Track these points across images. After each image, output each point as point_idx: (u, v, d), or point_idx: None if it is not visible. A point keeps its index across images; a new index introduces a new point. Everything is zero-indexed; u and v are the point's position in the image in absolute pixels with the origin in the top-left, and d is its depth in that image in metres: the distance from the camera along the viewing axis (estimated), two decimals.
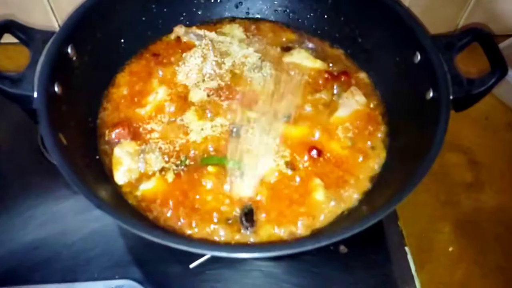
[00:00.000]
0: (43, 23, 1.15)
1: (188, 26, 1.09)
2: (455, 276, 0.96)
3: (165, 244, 0.60)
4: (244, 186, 0.82)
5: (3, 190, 1.07)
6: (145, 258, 0.95)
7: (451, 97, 0.80)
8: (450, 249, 1.01)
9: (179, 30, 1.05)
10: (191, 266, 0.94)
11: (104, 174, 0.84)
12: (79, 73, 0.88)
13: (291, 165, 0.86)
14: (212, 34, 1.05)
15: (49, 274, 0.92)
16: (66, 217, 1.02)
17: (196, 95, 0.95)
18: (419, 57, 0.88)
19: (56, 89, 0.79)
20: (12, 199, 1.05)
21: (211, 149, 0.88)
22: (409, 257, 1.00)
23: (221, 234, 0.77)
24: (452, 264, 0.98)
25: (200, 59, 0.97)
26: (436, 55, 0.84)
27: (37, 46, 0.81)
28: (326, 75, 1.01)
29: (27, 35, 0.82)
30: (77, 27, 0.87)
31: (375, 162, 0.89)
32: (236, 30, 1.10)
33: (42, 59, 0.79)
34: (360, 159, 0.89)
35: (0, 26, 0.79)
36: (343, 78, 1.02)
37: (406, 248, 1.02)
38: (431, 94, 0.83)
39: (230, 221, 0.79)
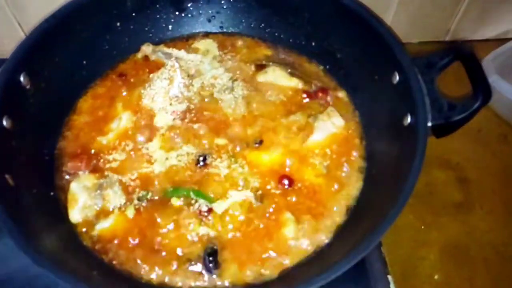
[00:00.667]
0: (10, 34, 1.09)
1: (158, 43, 1.03)
2: None
3: None
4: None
5: None
6: None
7: (429, 124, 0.74)
8: (436, 277, 0.95)
9: (146, 48, 1.00)
10: None
11: (59, 211, 0.78)
12: (35, 102, 0.83)
13: (259, 196, 0.81)
14: (182, 53, 0.99)
15: None
16: None
17: (162, 120, 0.90)
18: (397, 78, 0.82)
19: (5, 123, 0.74)
20: None
21: (175, 180, 0.82)
22: (392, 286, 0.95)
23: (183, 278, 0.72)
24: None
25: (167, 81, 0.91)
26: (414, 76, 0.78)
27: None
28: (302, 95, 0.95)
29: None
30: (31, 53, 0.81)
31: (351, 192, 0.83)
32: (210, 46, 1.04)
33: None
34: (335, 188, 0.83)
35: None
36: (320, 95, 0.95)
37: (389, 277, 0.96)
38: (408, 120, 0.77)
39: (192, 263, 0.74)
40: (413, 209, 1.03)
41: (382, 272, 0.96)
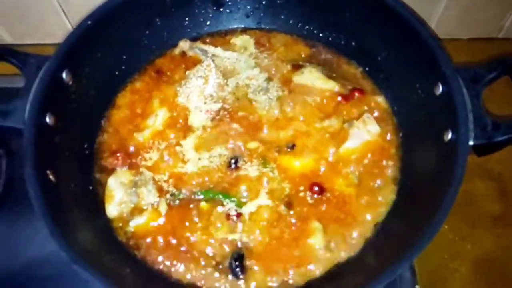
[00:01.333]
0: (57, 26, 1.12)
1: (196, 38, 1.03)
2: None
3: None
4: None
5: (16, 198, 1.09)
6: None
7: (471, 143, 0.70)
8: None
9: (184, 44, 1.00)
10: None
11: (97, 206, 0.82)
12: (76, 98, 0.86)
13: (288, 203, 0.81)
14: (218, 50, 0.99)
15: None
16: None
17: (197, 119, 0.91)
18: (440, 89, 0.78)
19: (48, 120, 0.78)
20: (24, 208, 1.06)
21: (206, 181, 0.84)
22: None
23: (210, 280, 0.74)
24: None
25: (202, 80, 0.91)
26: (459, 89, 0.74)
27: (31, 72, 0.79)
28: (338, 98, 0.93)
29: (20, 61, 0.80)
30: (73, 50, 0.83)
31: (383, 204, 0.81)
32: (247, 42, 1.03)
33: (34, 87, 0.77)
34: (366, 200, 0.82)
35: None
36: (357, 95, 0.93)
37: (417, 287, 0.95)
38: (449, 136, 0.74)
39: (220, 266, 0.76)
40: (448, 219, 0.99)
41: (411, 282, 0.95)
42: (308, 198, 0.82)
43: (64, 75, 0.82)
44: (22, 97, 0.78)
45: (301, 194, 0.83)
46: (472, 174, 1.05)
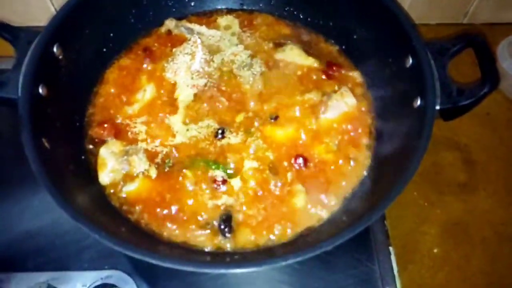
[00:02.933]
0: (41, 10, 1.14)
1: (181, 18, 1.07)
2: (436, 279, 0.97)
3: (136, 257, 0.62)
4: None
5: (3, 177, 1.11)
6: None
7: (437, 107, 0.78)
8: (435, 251, 1.01)
9: (169, 23, 1.04)
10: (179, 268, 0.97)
11: (90, 174, 0.86)
12: (67, 72, 0.88)
13: (273, 169, 0.86)
14: (203, 28, 1.03)
15: (42, 262, 0.97)
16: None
17: (184, 94, 0.95)
18: (410, 61, 0.85)
19: (41, 91, 0.80)
20: (12, 187, 1.09)
21: (195, 150, 0.89)
22: (393, 257, 1.01)
23: (200, 239, 0.79)
24: (434, 266, 0.99)
25: (189, 56, 0.96)
26: (427, 61, 0.81)
27: (23, 46, 0.82)
28: (317, 73, 0.99)
29: (12, 35, 0.82)
30: (63, 25, 0.86)
31: (359, 168, 0.88)
32: (231, 22, 1.08)
33: (26, 60, 0.80)
34: (344, 164, 0.88)
35: None
36: (335, 70, 0.99)
37: (391, 248, 1.02)
38: (418, 102, 0.81)
39: (209, 226, 0.81)
40: (418, 187, 1.08)
41: (384, 244, 1.03)
42: (292, 166, 0.88)
43: (54, 48, 0.85)
44: (14, 69, 0.80)
45: (285, 162, 0.88)
46: (440, 146, 1.14)
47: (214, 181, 0.85)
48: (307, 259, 0.98)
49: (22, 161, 1.12)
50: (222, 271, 0.67)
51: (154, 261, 0.63)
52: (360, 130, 0.92)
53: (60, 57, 0.87)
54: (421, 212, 1.05)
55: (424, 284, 0.97)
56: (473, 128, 1.17)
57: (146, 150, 0.88)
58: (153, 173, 0.84)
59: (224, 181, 0.85)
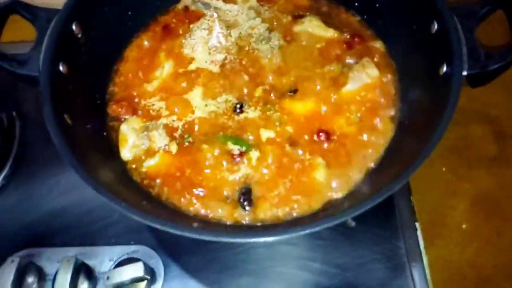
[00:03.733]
0: None
1: None
2: (464, 255, 0.94)
3: (155, 226, 0.63)
4: None
5: (31, 158, 1.14)
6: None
7: (464, 73, 0.74)
8: (464, 226, 0.98)
9: None
10: (199, 237, 0.98)
11: (111, 150, 0.87)
12: (86, 50, 0.89)
13: (293, 143, 0.85)
14: (220, 3, 1.02)
15: (70, 238, 1.00)
16: (86, 186, 1.07)
17: (202, 69, 0.94)
18: (436, 27, 0.81)
19: (61, 68, 0.81)
20: (39, 168, 1.12)
21: (214, 125, 0.88)
22: (419, 233, 0.98)
23: (220, 212, 0.79)
24: (463, 242, 0.96)
25: (206, 31, 0.95)
26: (453, 26, 0.77)
27: (42, 25, 0.83)
28: (338, 45, 0.96)
29: (31, 14, 0.84)
30: (81, 3, 0.87)
31: (383, 140, 0.85)
32: None
33: (46, 39, 0.81)
34: (367, 136, 0.86)
35: (5, 7, 0.81)
36: (356, 41, 0.96)
37: (417, 224, 1.00)
38: (444, 69, 0.77)
39: (229, 200, 0.81)
40: (446, 162, 1.04)
41: (410, 219, 1.00)
42: (312, 139, 0.86)
43: (74, 27, 0.86)
44: (35, 48, 0.82)
45: (305, 136, 0.87)
46: (469, 118, 1.09)
47: (232, 155, 0.84)
48: (331, 234, 0.98)
49: (47, 142, 1.17)
50: (240, 240, 0.67)
51: (173, 231, 0.63)
52: (383, 101, 0.89)
53: (79, 35, 0.87)
54: (449, 186, 1.02)
55: (452, 260, 0.95)
56: (504, 99, 1.11)
57: (165, 126, 0.89)
58: (174, 148, 0.84)
59: (241, 154, 0.84)
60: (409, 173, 0.66)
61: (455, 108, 0.71)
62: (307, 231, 0.63)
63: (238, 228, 0.77)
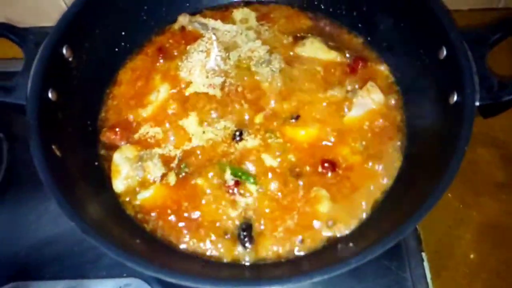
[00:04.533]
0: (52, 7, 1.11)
1: (195, 13, 1.02)
2: (473, 287, 0.90)
3: (149, 274, 0.58)
4: None
5: (19, 182, 1.09)
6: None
7: (477, 104, 0.70)
8: (471, 256, 0.94)
9: (183, 19, 0.99)
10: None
11: (103, 181, 0.82)
12: (77, 74, 0.85)
13: (295, 173, 0.81)
14: (218, 23, 0.98)
15: (60, 270, 0.95)
16: None
17: (199, 94, 0.90)
18: (445, 53, 0.78)
19: (50, 95, 0.77)
20: (28, 192, 1.07)
21: (212, 154, 0.84)
22: (426, 264, 0.95)
23: (218, 250, 0.75)
24: (471, 273, 0.92)
25: (204, 54, 0.91)
26: (463, 52, 0.74)
27: (31, 49, 0.79)
28: (340, 68, 0.93)
29: (19, 37, 0.79)
30: (72, 26, 0.83)
31: (390, 170, 0.82)
32: (248, 15, 1.02)
33: (34, 64, 0.76)
34: (372, 166, 0.82)
35: None
36: (360, 64, 0.93)
37: (423, 254, 0.96)
38: (455, 98, 0.74)
39: (228, 236, 0.76)
40: (452, 188, 0.98)
41: (416, 250, 0.96)
42: (313, 168, 0.82)
43: (64, 50, 0.82)
44: (23, 73, 0.77)
45: (308, 165, 0.83)
46: (476, 142, 1.05)
47: (228, 187, 0.80)
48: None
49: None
50: None
51: (167, 278, 0.59)
52: (389, 128, 0.85)
53: (70, 59, 0.83)
54: (455, 214, 0.98)
55: None
56: (510, 122, 1.08)
57: (161, 156, 0.84)
58: (172, 179, 0.80)
59: (237, 184, 0.79)
60: (422, 215, 0.62)
61: (468, 142, 0.68)
62: (314, 280, 0.59)
63: (237, 269, 0.72)
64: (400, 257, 0.95)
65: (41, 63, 0.76)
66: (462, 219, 0.97)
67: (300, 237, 0.76)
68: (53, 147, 0.72)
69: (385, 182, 0.81)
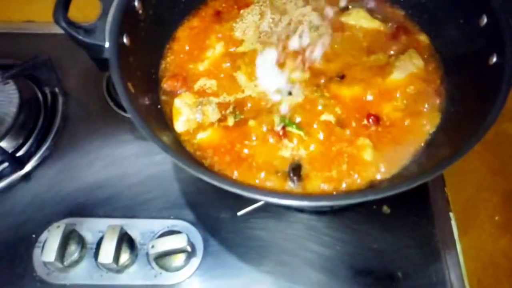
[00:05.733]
0: None
1: None
2: (498, 245, 0.96)
3: (222, 187, 0.65)
4: None
5: (73, 132, 1.18)
6: (197, 202, 1.04)
7: None
8: (496, 218, 1.00)
9: None
10: (239, 213, 1.01)
11: (165, 122, 0.90)
12: (144, 26, 0.93)
13: (341, 122, 0.88)
14: None
15: (111, 210, 1.03)
16: (127, 161, 1.11)
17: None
18: (485, 20, 0.84)
19: (125, 40, 0.85)
20: (80, 141, 1.16)
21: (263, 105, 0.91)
22: (453, 222, 1.01)
23: (270, 184, 0.82)
24: (496, 233, 0.98)
25: (258, 16, 0.98)
26: (504, 18, 0.80)
27: None
28: (384, 36, 1.00)
29: None
30: None
31: (429, 127, 0.88)
32: None
33: (112, 11, 0.84)
34: (413, 122, 0.88)
35: None
36: (401, 33, 0.99)
37: (451, 214, 1.03)
38: (494, 59, 0.80)
39: (279, 174, 0.83)
40: (480, 156, 1.06)
41: (444, 210, 1.03)
42: (359, 122, 0.89)
43: (136, 2, 0.89)
44: (100, 19, 0.85)
45: (353, 120, 0.90)
46: (502, 117, 1.12)
47: (278, 133, 0.87)
48: (366, 219, 1.01)
49: (88, 118, 1.21)
50: (295, 202, 0.69)
51: (239, 192, 0.66)
52: (429, 90, 0.92)
53: (140, 11, 0.91)
54: (482, 180, 1.04)
55: (486, 248, 0.97)
56: None
57: (217, 103, 0.92)
58: (231, 121, 0.87)
59: (285, 133, 0.86)
60: (452, 161, 0.69)
61: (507, 96, 0.74)
62: (353, 201, 0.66)
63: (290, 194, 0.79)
64: (429, 214, 1.02)
65: (118, 10, 0.84)
66: (488, 185, 1.03)
67: (345, 178, 0.83)
68: (128, 83, 0.80)
69: (424, 137, 0.88)
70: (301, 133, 0.87)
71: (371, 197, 0.69)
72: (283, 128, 0.87)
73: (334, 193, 0.80)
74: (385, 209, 1.02)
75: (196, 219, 1.02)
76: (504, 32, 0.79)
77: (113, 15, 0.83)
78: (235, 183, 0.69)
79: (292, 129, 0.87)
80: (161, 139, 0.73)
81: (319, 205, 0.70)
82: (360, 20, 1.01)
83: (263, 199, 0.68)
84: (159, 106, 0.92)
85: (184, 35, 1.02)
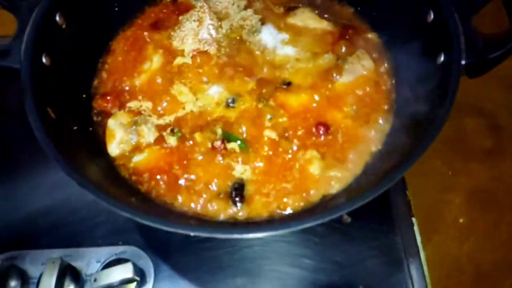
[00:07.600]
0: None
1: None
2: (463, 249, 0.93)
3: (146, 224, 0.59)
4: None
5: (13, 157, 1.10)
6: (147, 225, 0.97)
7: (462, 62, 0.72)
8: (461, 220, 0.97)
9: None
10: (192, 233, 0.95)
11: (98, 146, 0.83)
12: (71, 41, 0.85)
13: (288, 135, 0.82)
14: None
15: (55, 240, 0.96)
16: (72, 185, 1.03)
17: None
18: (432, 16, 0.80)
19: (44, 60, 0.78)
20: (21, 166, 1.08)
21: (205, 120, 0.85)
22: (416, 228, 0.97)
23: (212, 208, 0.76)
24: (461, 236, 0.95)
25: (196, 23, 0.92)
26: (451, 14, 0.75)
27: (24, 15, 0.79)
28: (331, 36, 0.94)
29: (12, 3, 0.79)
30: None
31: (379, 133, 0.83)
32: None
33: (28, 29, 0.77)
34: (363, 129, 0.83)
35: None
36: (350, 32, 0.94)
37: (413, 219, 0.98)
38: (441, 59, 0.76)
39: (221, 196, 0.77)
40: (442, 155, 1.03)
41: (406, 215, 0.98)
42: (304, 131, 0.84)
43: (57, 17, 0.82)
44: (16, 38, 0.77)
45: (300, 129, 0.84)
46: (464, 112, 1.09)
47: (219, 149, 0.81)
48: (327, 231, 0.96)
49: (31, 140, 1.12)
50: (235, 235, 0.63)
51: (165, 228, 0.60)
52: (379, 93, 0.87)
53: (63, 26, 0.84)
54: (444, 180, 1.01)
55: (450, 254, 0.93)
56: (498, 93, 1.11)
57: (154, 121, 0.85)
58: (173, 140, 0.81)
59: (224, 145, 0.81)
60: (409, 165, 0.64)
61: (454, 97, 0.70)
62: (300, 227, 0.61)
63: (232, 225, 0.74)
64: (391, 221, 0.97)
65: (34, 28, 0.77)
66: (451, 185, 1.00)
67: (292, 196, 0.77)
68: (48, 108, 0.73)
69: (375, 144, 0.83)
70: (244, 147, 0.81)
71: (320, 220, 0.64)
72: (223, 142, 0.81)
73: (266, 222, 0.75)
74: (346, 218, 0.97)
75: (146, 244, 0.95)
76: (450, 28, 0.75)
77: (28, 34, 0.76)
78: (161, 218, 0.62)
79: (234, 145, 0.81)
80: (84, 170, 0.66)
81: (249, 237, 0.64)
82: (307, 20, 0.96)
83: (190, 233, 0.61)
84: (91, 129, 0.85)
85: (120, 47, 0.95)
